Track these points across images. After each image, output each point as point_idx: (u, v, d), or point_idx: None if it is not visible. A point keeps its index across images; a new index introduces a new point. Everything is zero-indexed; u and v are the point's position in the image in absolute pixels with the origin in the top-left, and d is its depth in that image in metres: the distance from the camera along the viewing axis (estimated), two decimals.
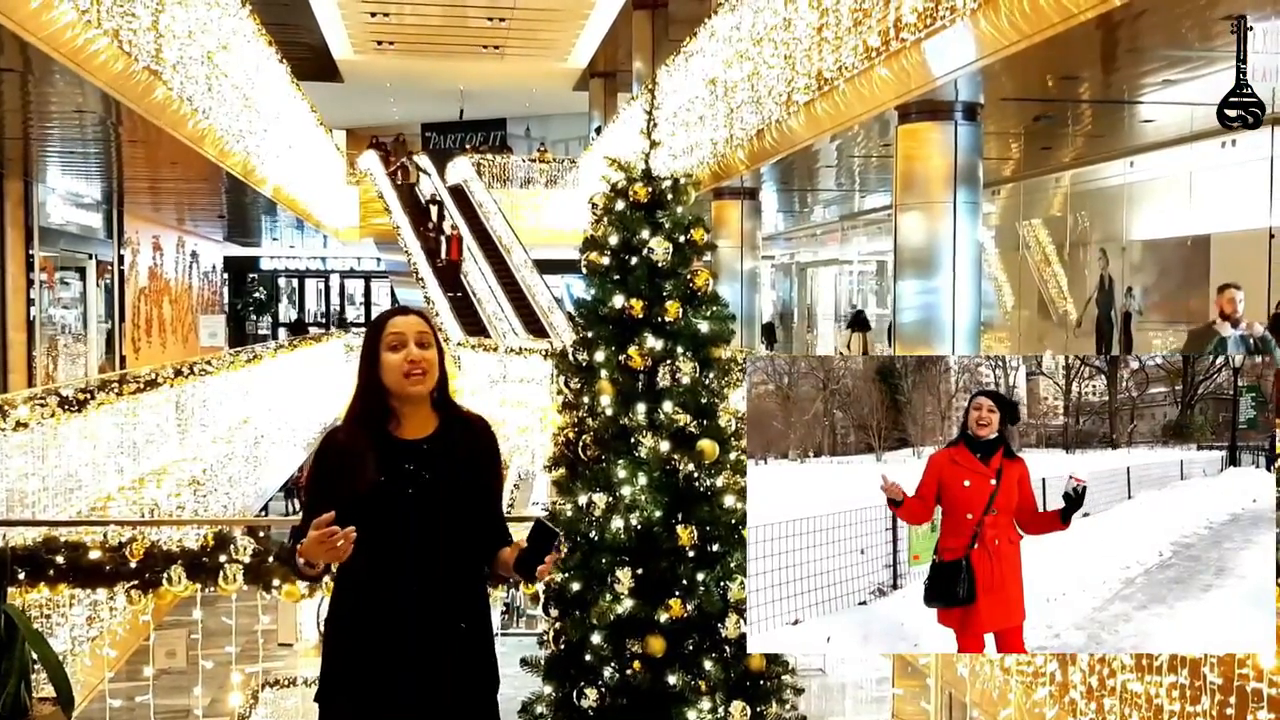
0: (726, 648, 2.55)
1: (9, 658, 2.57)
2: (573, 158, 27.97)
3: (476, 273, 21.36)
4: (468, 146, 30.10)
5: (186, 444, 10.53)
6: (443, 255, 20.40)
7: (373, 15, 22.23)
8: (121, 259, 17.46)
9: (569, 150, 31.00)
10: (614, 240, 2.68)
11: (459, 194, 24.26)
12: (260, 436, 14.13)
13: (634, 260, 2.65)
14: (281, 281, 35.00)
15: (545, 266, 23.75)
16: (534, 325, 20.28)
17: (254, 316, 33.01)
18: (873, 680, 10.22)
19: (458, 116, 32.05)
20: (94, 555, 3.13)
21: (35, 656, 2.67)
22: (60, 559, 3.09)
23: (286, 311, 35.19)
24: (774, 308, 25.71)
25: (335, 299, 35.62)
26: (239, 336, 28.90)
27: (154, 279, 19.72)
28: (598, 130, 25.45)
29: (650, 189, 2.69)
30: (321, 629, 16.23)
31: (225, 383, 11.95)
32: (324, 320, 33.47)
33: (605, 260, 2.68)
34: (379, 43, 24.32)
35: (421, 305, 20.29)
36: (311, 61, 23.71)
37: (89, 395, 7.41)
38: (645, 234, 2.65)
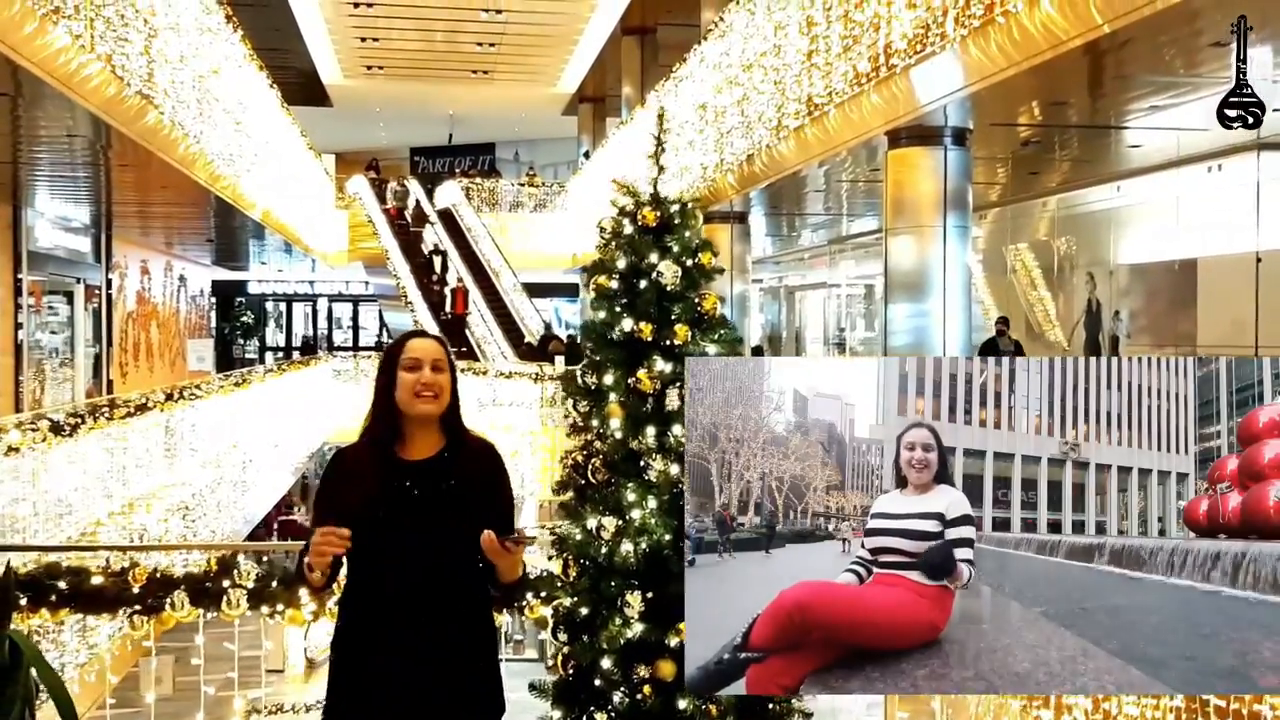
0: None
1: (13, 683, 2.55)
2: (561, 182, 28.05)
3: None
4: (456, 171, 30.14)
5: (176, 469, 10.47)
6: (447, 309, 20.13)
7: (363, 40, 22.30)
8: (109, 283, 17.41)
9: (557, 174, 31.09)
10: (622, 264, 2.70)
11: (448, 218, 24.27)
12: (248, 461, 14.05)
13: (642, 284, 2.66)
14: (269, 305, 34.93)
15: (534, 290, 23.79)
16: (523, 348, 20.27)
17: (241, 340, 32.90)
18: (863, 705, 10.16)
19: (446, 141, 32.12)
20: (96, 581, 3.11)
21: (39, 682, 2.66)
22: (63, 584, 3.08)
23: (274, 335, 35.09)
24: (763, 331, 25.77)
25: (323, 323, 35.54)
26: (226, 361, 28.79)
27: (142, 303, 19.66)
28: (586, 155, 25.53)
29: (659, 213, 2.71)
30: (308, 655, 16.04)
31: (215, 407, 11.91)
32: (312, 344, 33.41)
33: (613, 284, 2.69)
34: (369, 67, 24.38)
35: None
36: (301, 86, 23.76)
37: (80, 420, 7.37)
38: (654, 257, 2.67)
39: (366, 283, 29.01)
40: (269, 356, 32.79)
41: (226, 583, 3.17)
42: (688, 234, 2.73)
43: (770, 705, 2.59)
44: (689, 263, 2.68)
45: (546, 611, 3.18)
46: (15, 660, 2.58)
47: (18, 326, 13.51)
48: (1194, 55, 7.55)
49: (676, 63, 16.03)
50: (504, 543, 2.50)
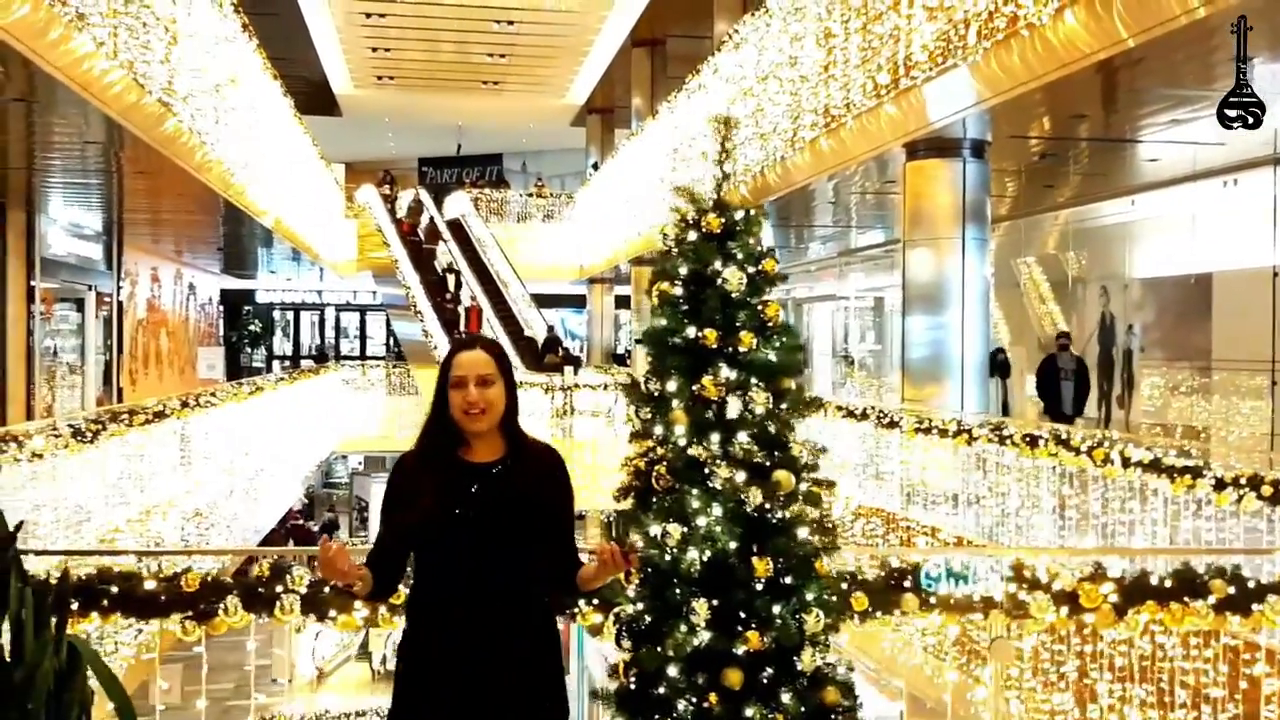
0: (802, 680, 2.53)
1: (71, 688, 2.54)
2: (569, 193, 28.09)
3: (465, 293, 21.37)
4: (465, 181, 30.18)
5: (190, 476, 10.47)
6: (461, 328, 20.04)
7: (374, 50, 22.35)
8: (120, 290, 17.42)
9: (564, 185, 31.14)
10: (684, 270, 2.69)
11: (456, 228, 24.27)
12: (259, 470, 14.04)
13: (707, 290, 2.66)
14: (276, 314, 34.95)
15: (541, 301, 23.80)
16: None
17: (249, 349, 32.91)
18: None
19: (455, 151, 32.16)
20: (149, 585, 3.09)
21: (98, 687, 2.65)
22: (114, 588, 3.06)
23: (281, 344, 35.11)
24: None
25: (330, 332, 35.59)
26: (234, 369, 28.82)
27: (152, 311, 19.68)
28: (595, 166, 25.56)
29: (723, 219, 2.70)
30: (317, 666, 15.95)
31: (228, 415, 11.91)
32: (326, 353, 33.52)
33: (677, 290, 2.69)
34: (379, 77, 24.43)
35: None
36: (311, 95, 23.80)
37: (101, 426, 7.37)
38: (718, 264, 2.66)
39: (374, 292, 29.06)
40: (276, 365, 32.81)
41: (279, 588, 3.15)
42: (751, 240, 2.73)
43: (834, 716, 2.57)
44: (752, 269, 2.68)
45: (598, 619, 3.16)
46: (73, 665, 2.57)
47: (30, 333, 13.52)
48: (1213, 70, 7.56)
49: (686, 74, 16.06)
50: (626, 555, 2.49)
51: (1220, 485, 5.84)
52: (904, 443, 9.12)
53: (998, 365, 13.75)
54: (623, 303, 26.72)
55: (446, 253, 22.50)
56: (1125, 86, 8.38)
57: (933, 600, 3.34)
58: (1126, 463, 6.33)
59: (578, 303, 30.03)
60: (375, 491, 26.73)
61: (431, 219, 24.05)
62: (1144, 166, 11.56)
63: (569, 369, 18.11)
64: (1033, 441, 7.15)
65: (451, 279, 21.58)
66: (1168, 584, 3.43)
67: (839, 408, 10.87)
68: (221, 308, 28.43)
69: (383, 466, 29.06)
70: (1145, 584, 3.41)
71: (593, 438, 16.62)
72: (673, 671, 2.50)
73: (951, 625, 3.44)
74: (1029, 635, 3.88)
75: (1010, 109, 8.40)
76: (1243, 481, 5.70)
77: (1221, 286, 11.98)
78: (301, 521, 24.52)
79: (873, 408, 10.21)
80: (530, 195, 27.71)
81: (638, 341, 22.18)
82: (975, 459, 8.08)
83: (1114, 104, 9.07)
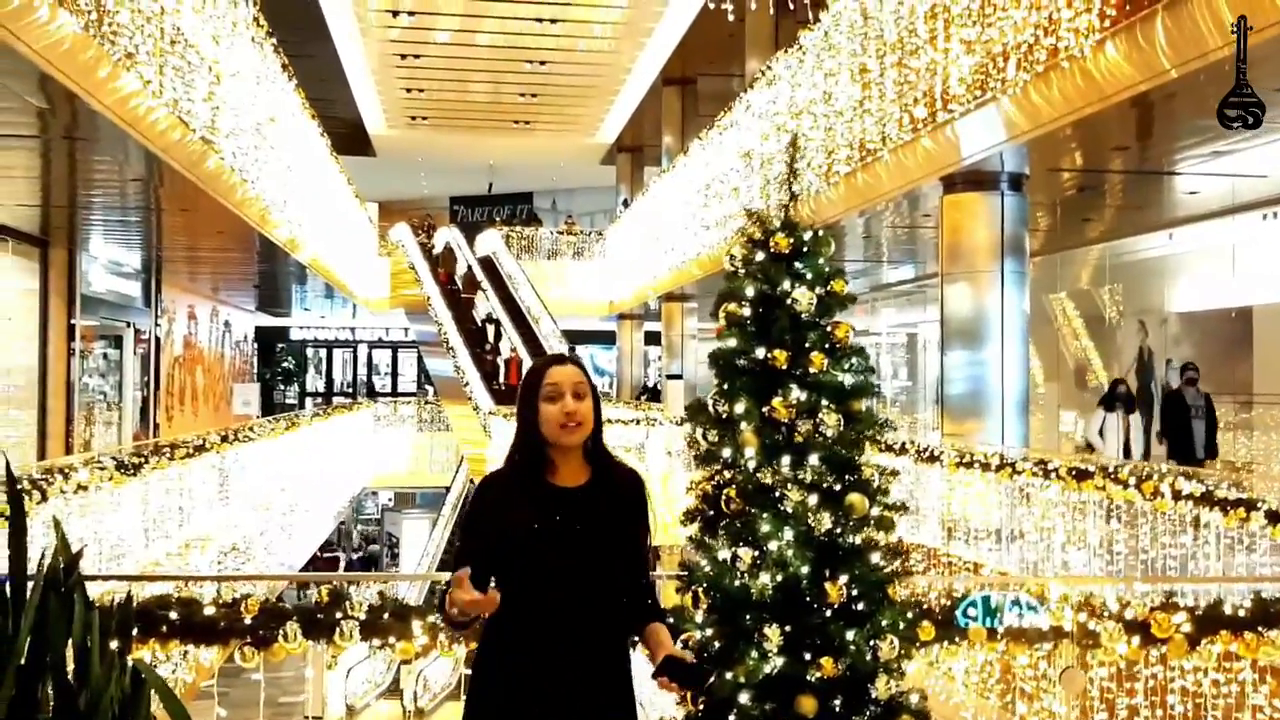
0: (874, 708, 2.48)
1: (136, 714, 2.53)
2: (599, 230, 28.23)
3: (505, 344, 21.40)
4: (496, 219, 30.40)
5: (227, 511, 10.50)
6: (501, 379, 19.99)
7: (408, 91, 22.61)
8: (158, 327, 17.60)
9: (594, 223, 31.30)
10: (751, 291, 2.67)
11: (488, 265, 24.41)
12: (293, 505, 14.08)
13: (776, 311, 2.64)
14: (309, 351, 35.22)
15: (571, 337, 23.86)
16: None
17: (282, 386, 33.14)
18: None
19: (486, 190, 32.42)
20: (209, 611, 3.08)
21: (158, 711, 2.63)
22: (174, 614, 3.05)
23: (313, 381, 35.35)
24: None
25: (363, 369, 35.83)
26: (267, 406, 29.01)
27: (188, 347, 19.85)
28: (625, 203, 25.69)
29: (791, 239, 2.69)
30: (348, 702, 15.78)
31: (264, 450, 11.96)
32: (372, 389, 33.68)
33: (745, 311, 2.67)
34: (412, 118, 24.71)
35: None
36: (346, 135, 24.08)
37: (144, 460, 7.42)
38: (787, 284, 2.64)
39: (406, 329, 29.23)
40: (308, 402, 33.01)
41: (339, 614, 3.13)
42: (820, 261, 2.71)
43: None
44: (821, 290, 2.66)
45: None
46: (136, 691, 2.56)
47: (69, 370, 13.66)
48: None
49: (717, 111, 16.12)
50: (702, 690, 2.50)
51: (1275, 518, 5.73)
52: (945, 477, 9.03)
53: (1118, 398, 11.83)
54: (652, 339, 26.75)
55: (486, 301, 22.45)
56: (1167, 119, 8.33)
57: (1000, 631, 3.27)
58: (1178, 496, 6.23)
59: (607, 338, 30.09)
60: (406, 527, 26.75)
61: (470, 267, 24.02)
62: (1183, 199, 11.48)
63: None
64: (1080, 475, 7.05)
65: (491, 329, 21.52)
66: (1241, 613, 3.36)
67: (876, 442, 10.77)
68: (256, 345, 28.67)
69: (413, 503, 29.09)
70: (1219, 613, 3.34)
71: None
72: (744, 699, 2.46)
73: (1021, 655, 3.36)
74: (1098, 666, 3.80)
75: (1049, 142, 8.37)
76: None
77: (1263, 320, 11.85)
78: (335, 554, 24.59)
79: (911, 442, 10.11)
80: (561, 233, 27.86)
81: (670, 377, 22.20)
82: (1019, 493, 7.98)
83: (1155, 136, 9.02)
